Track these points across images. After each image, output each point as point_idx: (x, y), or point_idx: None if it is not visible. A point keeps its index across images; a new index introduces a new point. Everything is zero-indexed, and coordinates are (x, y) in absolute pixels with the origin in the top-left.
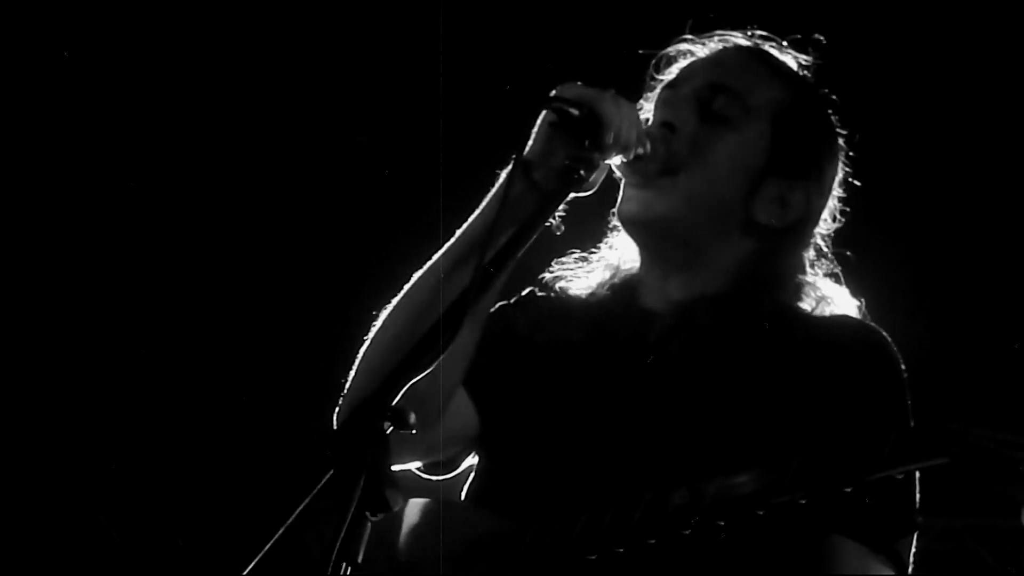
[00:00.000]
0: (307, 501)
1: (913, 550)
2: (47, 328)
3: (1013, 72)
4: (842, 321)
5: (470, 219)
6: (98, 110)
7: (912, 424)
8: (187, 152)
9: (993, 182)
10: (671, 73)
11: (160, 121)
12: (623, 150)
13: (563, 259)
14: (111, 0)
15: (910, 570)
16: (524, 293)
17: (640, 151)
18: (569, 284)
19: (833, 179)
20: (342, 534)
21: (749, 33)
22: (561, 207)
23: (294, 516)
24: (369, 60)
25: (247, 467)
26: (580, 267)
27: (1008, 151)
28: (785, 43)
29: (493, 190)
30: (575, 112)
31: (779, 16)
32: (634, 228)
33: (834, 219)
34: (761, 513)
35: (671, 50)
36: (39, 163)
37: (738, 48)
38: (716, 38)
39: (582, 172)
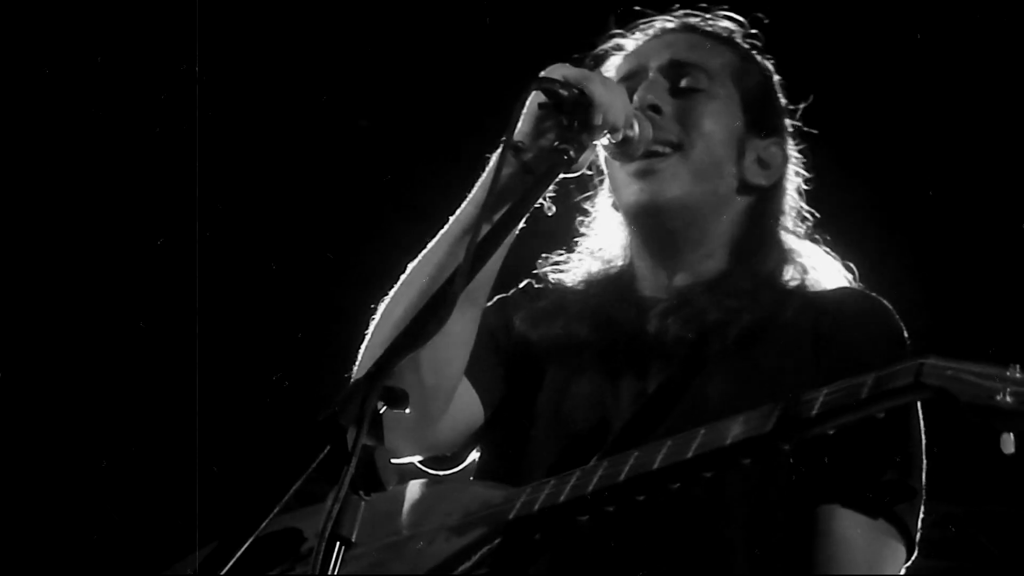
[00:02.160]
0: (299, 483)
1: (921, 517)
2: (47, 326)
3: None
4: (843, 292)
5: (463, 204)
6: (90, 102)
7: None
8: (183, 146)
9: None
10: (609, 70)
11: (159, 116)
12: (612, 130)
13: (553, 253)
14: None
15: (918, 537)
16: (522, 285)
17: (629, 132)
18: (568, 276)
19: (788, 131)
20: (334, 513)
21: (672, 12)
22: (551, 188)
23: (287, 496)
24: (357, 49)
25: (245, 450)
26: (571, 259)
27: (997, 138)
28: (708, 16)
29: (484, 174)
30: (564, 93)
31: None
32: (644, 217)
33: (802, 169)
34: (747, 462)
35: (602, 48)
36: (39, 163)
37: (677, 28)
38: (642, 27)
39: (571, 152)
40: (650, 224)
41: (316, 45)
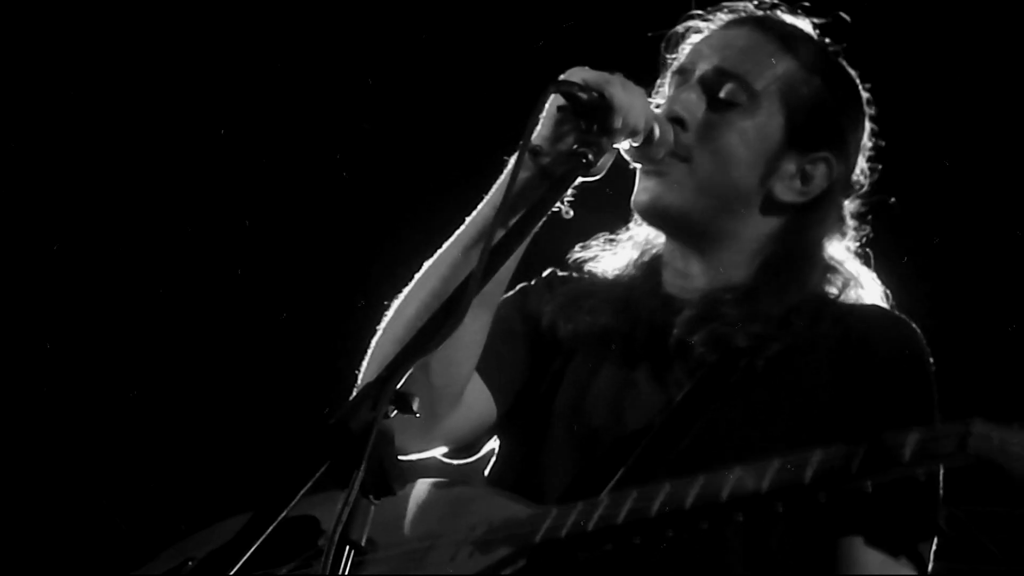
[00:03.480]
0: (307, 487)
1: (934, 549)
2: (48, 325)
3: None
4: (873, 313)
5: (479, 206)
6: (96, 104)
7: (935, 423)
8: (193, 146)
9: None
10: (683, 51)
11: (165, 117)
12: (631, 134)
13: (589, 241)
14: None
15: (930, 568)
16: (545, 274)
17: (648, 136)
18: (595, 265)
19: (858, 142)
20: (343, 517)
21: (757, 1)
22: (569, 192)
23: (295, 501)
24: (376, 49)
25: (254, 453)
26: (606, 248)
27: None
28: (796, 6)
29: (502, 176)
30: (584, 96)
31: None
32: (649, 218)
33: (862, 181)
34: (781, 510)
35: (679, 28)
36: (41, 163)
37: (745, 24)
38: (725, 10)
39: (590, 156)
40: (657, 222)
41: (338, 43)
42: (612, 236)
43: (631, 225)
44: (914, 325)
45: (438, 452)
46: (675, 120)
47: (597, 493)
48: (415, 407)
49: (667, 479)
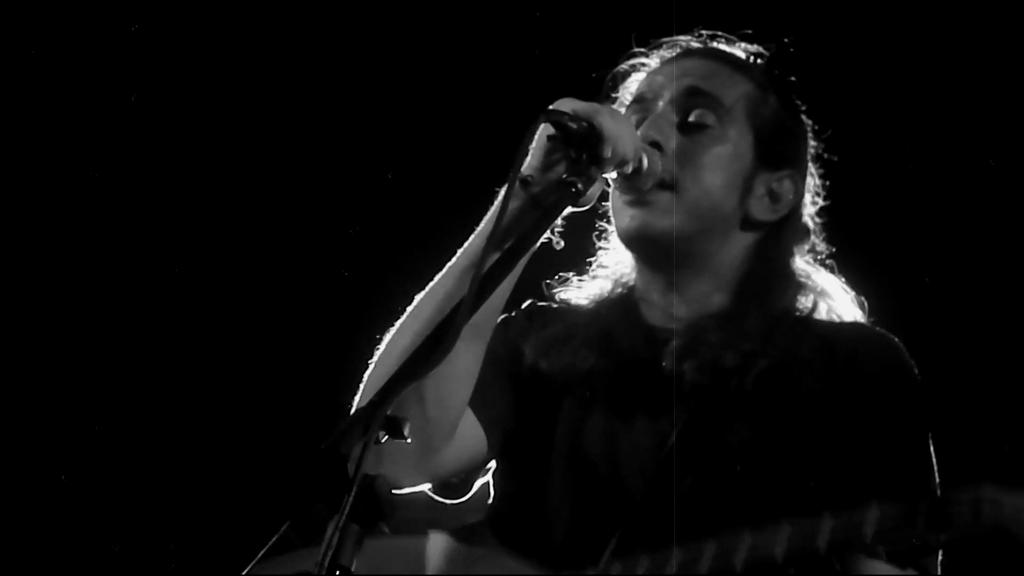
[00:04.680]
0: (298, 512)
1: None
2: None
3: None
4: (856, 333)
5: (471, 237)
6: (106, 117)
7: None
8: (193, 160)
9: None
10: (627, 89)
11: (162, 125)
12: (621, 164)
13: (561, 273)
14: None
15: None
16: (525, 306)
17: (638, 165)
18: (567, 296)
19: (808, 159)
20: (334, 542)
21: (696, 35)
22: (559, 221)
23: (283, 530)
24: (367, 76)
25: (246, 478)
26: (579, 279)
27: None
28: (733, 37)
29: (493, 207)
30: (574, 126)
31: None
32: (636, 245)
33: (820, 195)
34: (792, 572)
35: (623, 66)
36: (41, 163)
37: (696, 53)
38: (664, 46)
39: (579, 186)
40: (642, 250)
41: (329, 62)
42: (585, 269)
43: (599, 256)
44: (896, 340)
45: (426, 487)
46: (653, 144)
47: (604, 541)
48: (406, 432)
49: (681, 523)
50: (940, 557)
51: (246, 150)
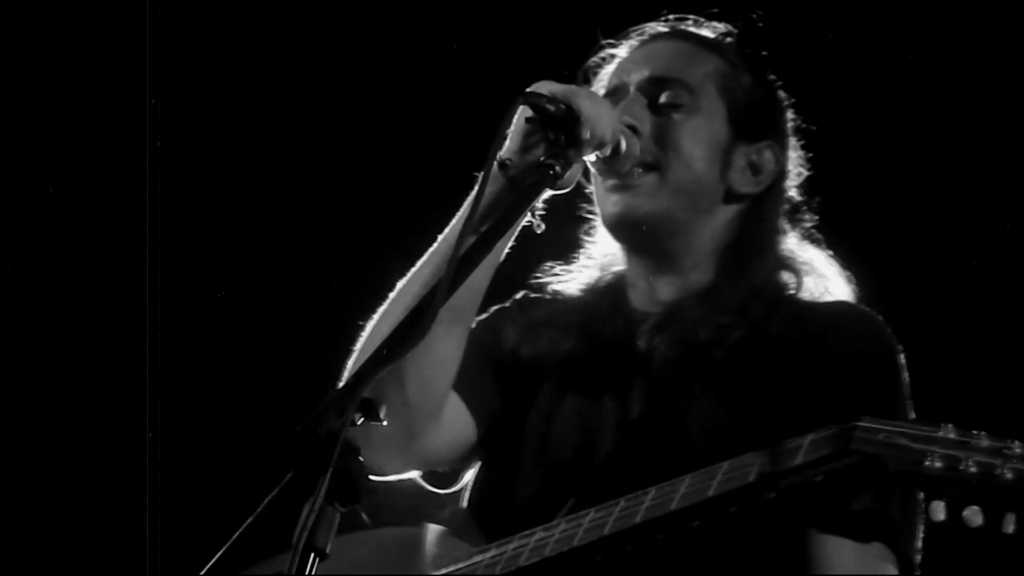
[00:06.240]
0: (272, 495)
1: (919, 545)
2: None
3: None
4: (836, 310)
5: (451, 224)
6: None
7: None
8: (169, 153)
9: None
10: (600, 82)
11: (152, 124)
12: (599, 146)
13: (552, 263)
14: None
15: (918, 560)
16: (518, 296)
17: (617, 148)
18: (559, 286)
19: (788, 129)
20: (309, 523)
21: (663, 19)
22: (540, 205)
23: (259, 510)
24: (347, 66)
25: (223, 461)
26: (568, 269)
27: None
28: (700, 18)
29: (472, 192)
30: (552, 108)
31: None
32: (621, 230)
33: (803, 168)
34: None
35: (593, 60)
36: (40, 162)
37: (664, 36)
38: (633, 35)
39: (558, 168)
40: (629, 236)
41: (306, 54)
42: (573, 257)
43: (587, 245)
44: (880, 318)
45: (415, 474)
46: (629, 128)
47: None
48: (382, 414)
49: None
50: (919, 532)
51: (225, 142)
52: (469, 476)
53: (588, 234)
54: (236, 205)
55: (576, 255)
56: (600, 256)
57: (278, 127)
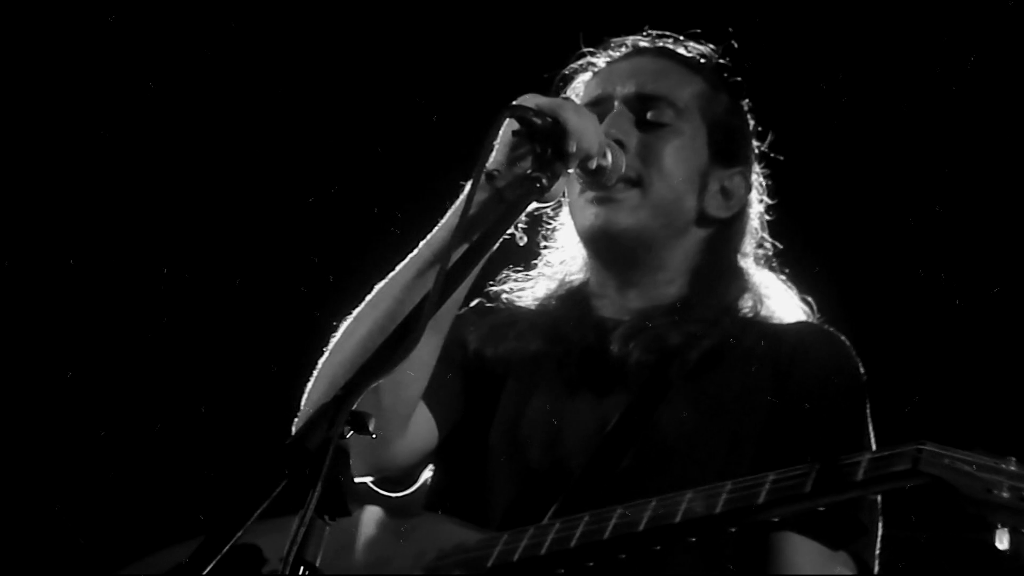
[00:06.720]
0: (263, 507)
1: (877, 552)
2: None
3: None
4: (802, 330)
5: (434, 230)
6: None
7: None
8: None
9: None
10: (576, 88)
11: (135, 126)
12: (585, 159)
13: (508, 272)
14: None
15: (876, 568)
16: (473, 304)
17: (602, 161)
18: (515, 296)
19: (753, 158)
20: (298, 537)
21: (645, 34)
22: (522, 217)
23: (250, 521)
24: (333, 70)
25: (206, 471)
26: (524, 279)
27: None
28: (681, 37)
29: (458, 200)
30: (538, 121)
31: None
32: (599, 241)
33: (765, 196)
34: (734, 531)
35: (571, 67)
36: (38, 163)
37: (648, 52)
38: (613, 46)
39: (544, 181)
40: (604, 247)
41: (297, 61)
42: (530, 266)
43: (544, 255)
44: (843, 338)
45: (371, 480)
46: (615, 142)
47: (540, 520)
48: (371, 428)
49: (620, 501)
50: (878, 540)
51: (205, 142)
52: (424, 477)
53: (546, 245)
54: (212, 208)
55: (534, 262)
56: (558, 264)
57: (274, 129)
